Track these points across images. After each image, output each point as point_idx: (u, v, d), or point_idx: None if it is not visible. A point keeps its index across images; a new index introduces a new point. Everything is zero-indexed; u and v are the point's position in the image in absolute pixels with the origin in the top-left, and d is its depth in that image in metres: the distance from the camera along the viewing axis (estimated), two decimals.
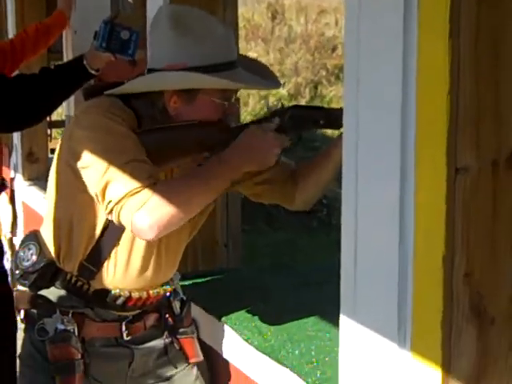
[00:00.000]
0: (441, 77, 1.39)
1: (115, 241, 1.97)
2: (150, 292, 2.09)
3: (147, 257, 2.03)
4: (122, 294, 2.03)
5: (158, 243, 2.02)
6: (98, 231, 1.96)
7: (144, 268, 2.04)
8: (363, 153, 1.60)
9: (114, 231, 1.94)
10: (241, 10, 4.31)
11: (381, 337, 1.59)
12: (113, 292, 2.03)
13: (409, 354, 1.53)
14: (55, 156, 2.04)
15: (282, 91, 8.76)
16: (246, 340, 2.22)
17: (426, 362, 1.50)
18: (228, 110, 1.92)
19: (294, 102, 8.84)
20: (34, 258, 2.00)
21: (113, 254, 1.99)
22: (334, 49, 12.04)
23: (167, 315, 2.19)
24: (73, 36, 3.65)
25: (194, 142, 1.94)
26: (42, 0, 4.37)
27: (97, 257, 1.98)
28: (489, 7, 1.38)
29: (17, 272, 2.05)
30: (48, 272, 2.01)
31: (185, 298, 2.26)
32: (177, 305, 2.21)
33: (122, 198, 1.74)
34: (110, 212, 1.78)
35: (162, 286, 2.15)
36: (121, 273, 2.01)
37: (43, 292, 2.06)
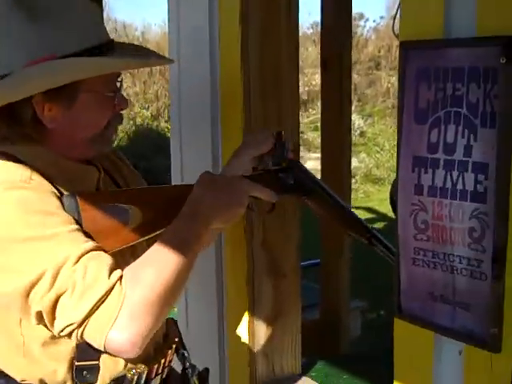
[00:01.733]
0: (237, 89, 1.49)
1: None
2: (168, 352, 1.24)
3: None
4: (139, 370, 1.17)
5: None
6: None
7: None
8: (185, 146, 1.71)
9: None
10: None
11: (203, 288, 1.70)
12: (128, 375, 1.16)
13: (226, 302, 1.65)
14: None
15: (146, 113, 8.71)
16: None
17: (238, 308, 1.60)
18: (118, 104, 1.14)
19: (156, 122, 8.73)
20: None
21: None
22: None
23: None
24: None
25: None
26: None
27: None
28: (269, 39, 1.49)
29: None
30: None
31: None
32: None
33: (85, 317, 0.97)
34: (69, 335, 0.99)
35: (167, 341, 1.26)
36: None
37: None
